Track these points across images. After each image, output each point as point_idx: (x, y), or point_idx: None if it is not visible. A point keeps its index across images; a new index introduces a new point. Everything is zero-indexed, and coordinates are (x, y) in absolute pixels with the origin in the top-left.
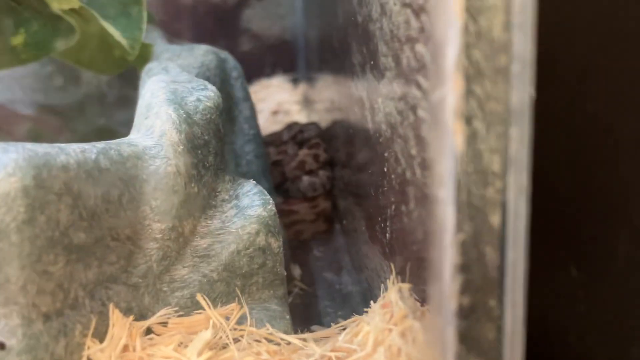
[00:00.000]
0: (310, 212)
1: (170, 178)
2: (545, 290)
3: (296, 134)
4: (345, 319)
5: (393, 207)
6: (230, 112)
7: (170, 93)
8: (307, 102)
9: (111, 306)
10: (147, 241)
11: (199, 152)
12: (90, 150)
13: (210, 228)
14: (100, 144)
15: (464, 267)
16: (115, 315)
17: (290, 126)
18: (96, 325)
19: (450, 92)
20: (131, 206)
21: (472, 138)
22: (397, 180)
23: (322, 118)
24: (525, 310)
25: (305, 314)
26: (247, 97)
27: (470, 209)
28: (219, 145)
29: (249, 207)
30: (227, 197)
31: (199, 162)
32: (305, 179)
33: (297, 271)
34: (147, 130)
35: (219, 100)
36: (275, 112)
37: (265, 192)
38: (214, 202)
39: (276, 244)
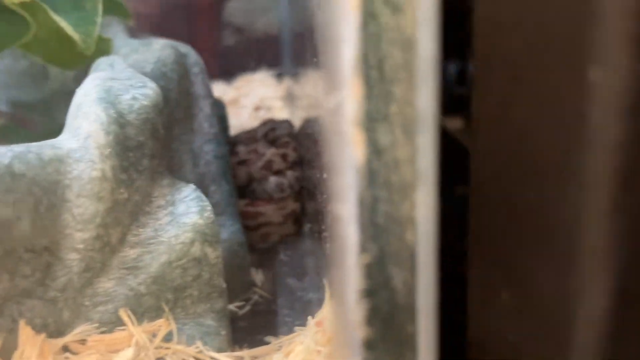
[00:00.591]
0: (278, 214)
1: (95, 183)
2: (479, 315)
3: (268, 132)
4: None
5: (329, 216)
6: (189, 109)
7: (103, 91)
8: (290, 98)
9: (22, 323)
10: (68, 252)
11: (131, 154)
12: (4, 154)
13: (141, 237)
14: (20, 147)
15: (370, 292)
16: (25, 333)
17: (265, 123)
18: (5, 344)
19: (348, 96)
20: (50, 214)
21: (373, 148)
22: (325, 187)
23: (302, 115)
24: (438, 337)
25: (261, 324)
26: (209, 94)
27: (375, 228)
28: (157, 147)
29: (185, 214)
30: (163, 203)
31: (131, 165)
32: (272, 179)
33: (259, 277)
34: (74, 132)
35: (158, 99)
36: (257, 108)
37: (204, 198)
38: (148, 209)
39: (214, 254)
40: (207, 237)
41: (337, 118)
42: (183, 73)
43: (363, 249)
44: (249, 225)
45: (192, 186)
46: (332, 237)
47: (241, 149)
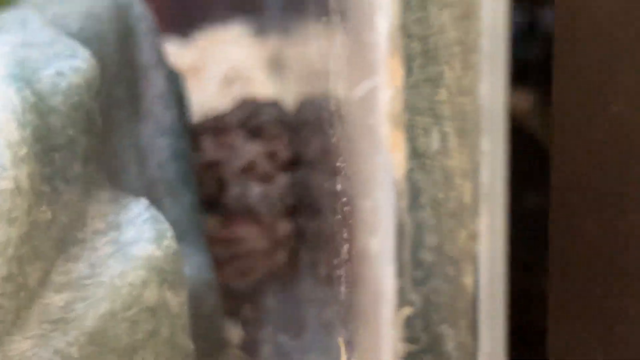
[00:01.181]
0: (263, 239)
1: (5, 198)
2: None
3: (248, 118)
4: None
5: (345, 246)
6: (134, 86)
7: (15, 64)
8: (277, 66)
9: None
10: None
11: (57, 156)
12: None
13: (71, 276)
14: None
15: (412, 357)
16: None
17: (242, 105)
18: None
19: (381, 83)
20: None
21: (417, 155)
22: (347, 207)
23: (298, 91)
24: None
25: None
26: (161, 63)
27: (419, 268)
28: (94, 145)
29: (134, 242)
30: (102, 226)
31: (56, 172)
32: (256, 188)
33: (236, 333)
34: None
35: (93, 74)
36: (228, 81)
37: (162, 219)
38: (80, 235)
39: (176, 300)
40: (166, 276)
41: (366, 112)
42: (125, 33)
43: (402, 298)
44: (222, 255)
45: (144, 202)
46: (355, 279)
47: (208, 144)
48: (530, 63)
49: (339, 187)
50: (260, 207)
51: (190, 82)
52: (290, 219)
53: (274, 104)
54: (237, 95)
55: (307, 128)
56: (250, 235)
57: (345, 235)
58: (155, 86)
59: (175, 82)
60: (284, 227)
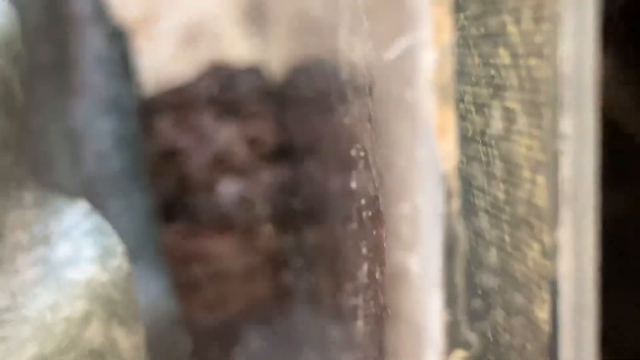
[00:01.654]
0: (242, 255)
1: None
2: None
3: (220, 90)
4: None
5: (365, 266)
6: (63, 48)
7: None
8: (256, 18)
9: None
10: None
11: None
12: None
13: None
14: None
15: None
16: None
17: (211, 72)
18: None
19: (424, 40)
20: None
21: (473, 143)
22: (368, 212)
23: (287, 54)
24: None
25: None
26: (100, 15)
27: (478, 298)
28: (13, 128)
29: (70, 262)
30: (26, 239)
31: None
32: (232, 186)
33: None
34: None
35: (11, 30)
36: (190, 38)
37: (108, 229)
38: None
39: (129, 340)
40: (115, 307)
41: (400, 81)
42: None
43: (453, 337)
44: (187, 279)
45: (83, 205)
46: (381, 311)
47: (167, 126)
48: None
49: (353, 185)
50: (238, 212)
51: (139, 40)
52: (279, 228)
53: (254, 71)
54: (204, 59)
55: (303, 104)
56: (224, 251)
57: (364, 250)
58: (91, 48)
59: (119, 42)
60: (269, 239)
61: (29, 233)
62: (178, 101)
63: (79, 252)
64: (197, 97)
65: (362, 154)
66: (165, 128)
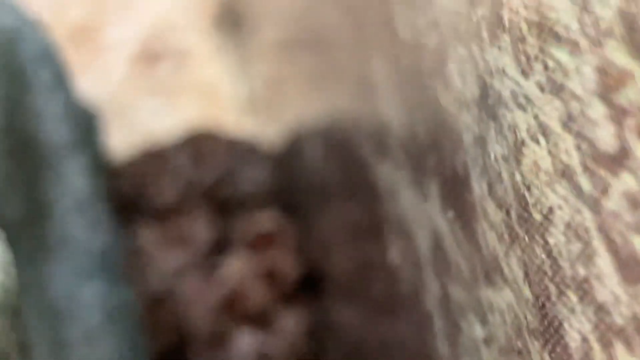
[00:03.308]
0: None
1: None
2: None
3: (217, 185)
4: None
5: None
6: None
7: None
8: (232, 22)
9: None
10: None
11: None
12: None
13: None
14: None
15: None
16: None
17: (196, 145)
18: None
19: None
20: None
21: None
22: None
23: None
24: None
25: None
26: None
27: None
28: None
29: None
30: None
31: None
32: (246, 340)
33: None
34: None
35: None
36: (148, 55)
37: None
38: None
39: None
40: None
41: None
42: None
43: None
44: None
45: None
46: None
47: (154, 247)
48: None
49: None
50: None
51: (80, 55)
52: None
53: (252, 152)
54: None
55: (324, 196)
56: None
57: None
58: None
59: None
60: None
61: None
62: (162, 204)
63: None
64: (188, 197)
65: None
66: (155, 251)
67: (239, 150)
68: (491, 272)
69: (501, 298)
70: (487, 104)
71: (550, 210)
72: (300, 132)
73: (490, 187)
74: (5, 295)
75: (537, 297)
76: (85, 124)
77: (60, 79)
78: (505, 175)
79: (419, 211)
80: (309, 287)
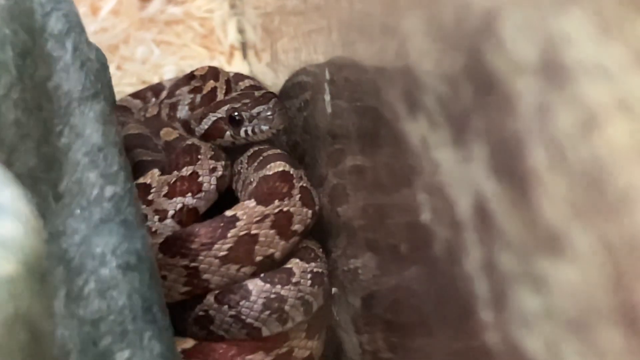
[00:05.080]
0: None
1: None
2: None
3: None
4: None
5: None
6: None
7: None
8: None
9: None
10: None
11: None
12: None
13: None
14: None
15: None
16: None
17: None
18: None
19: None
20: None
21: None
22: None
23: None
24: None
25: None
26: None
27: None
28: None
29: None
30: None
31: None
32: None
33: None
34: None
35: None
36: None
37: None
38: None
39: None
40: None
41: None
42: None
43: None
44: None
45: None
46: None
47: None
48: None
49: None
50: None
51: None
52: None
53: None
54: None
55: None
56: None
57: None
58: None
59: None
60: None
61: None
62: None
63: None
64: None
65: None
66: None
67: (245, 90)
68: (551, 244)
69: (563, 272)
70: (552, 72)
71: (630, 186)
72: (314, 74)
73: (552, 158)
74: (38, 262)
75: (609, 276)
76: (97, 72)
77: (71, 25)
78: (570, 148)
79: (460, 172)
80: (323, 235)
